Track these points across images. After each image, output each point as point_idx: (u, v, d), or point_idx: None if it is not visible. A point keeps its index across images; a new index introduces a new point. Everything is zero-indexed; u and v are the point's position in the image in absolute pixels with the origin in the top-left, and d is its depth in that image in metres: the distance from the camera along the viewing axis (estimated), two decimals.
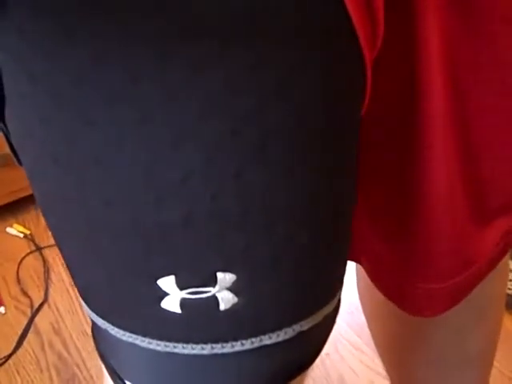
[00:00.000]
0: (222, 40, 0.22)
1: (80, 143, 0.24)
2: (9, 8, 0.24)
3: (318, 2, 0.23)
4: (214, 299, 0.26)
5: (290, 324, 0.28)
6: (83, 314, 1.18)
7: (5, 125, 0.28)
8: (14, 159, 0.31)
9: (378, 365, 1.03)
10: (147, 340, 0.28)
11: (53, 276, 1.27)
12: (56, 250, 1.32)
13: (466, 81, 0.30)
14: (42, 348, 1.12)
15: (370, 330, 0.61)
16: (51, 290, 1.24)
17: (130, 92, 0.22)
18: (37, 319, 1.18)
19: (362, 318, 1.10)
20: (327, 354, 1.03)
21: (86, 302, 0.31)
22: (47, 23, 0.23)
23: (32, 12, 0.23)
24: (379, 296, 0.42)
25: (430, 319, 0.44)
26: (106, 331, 0.30)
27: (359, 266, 0.44)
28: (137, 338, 0.28)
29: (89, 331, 1.14)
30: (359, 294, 0.60)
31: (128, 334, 0.29)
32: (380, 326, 0.57)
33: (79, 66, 0.22)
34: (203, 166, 0.23)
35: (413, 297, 0.39)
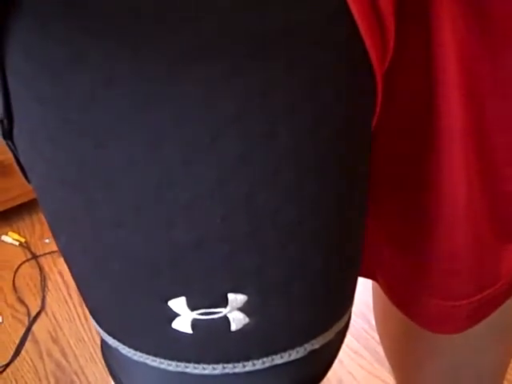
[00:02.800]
0: (234, 62, 0.22)
1: (90, 166, 0.24)
2: (17, 31, 0.24)
3: (326, 18, 0.23)
4: (226, 320, 0.26)
5: (301, 343, 0.28)
6: (81, 321, 1.18)
7: (13, 142, 0.28)
8: (23, 176, 0.31)
9: (376, 369, 1.03)
10: (158, 360, 0.28)
11: (49, 284, 1.27)
12: (52, 258, 1.31)
13: (482, 93, 0.30)
14: (40, 356, 1.12)
15: (384, 347, 0.60)
16: (48, 298, 1.23)
17: (141, 115, 0.22)
18: (34, 327, 1.17)
19: (360, 323, 1.10)
20: None
21: (96, 321, 0.31)
22: (56, 47, 0.23)
23: (40, 36, 0.23)
24: (395, 313, 0.42)
25: (447, 337, 0.43)
26: (116, 350, 0.30)
27: (375, 283, 0.44)
28: (148, 358, 0.29)
29: (86, 338, 1.14)
30: (374, 311, 0.59)
31: (139, 353, 0.29)
32: (395, 342, 0.56)
33: (88, 89, 0.22)
34: (214, 188, 0.23)
35: (431, 313, 0.38)
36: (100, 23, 0.22)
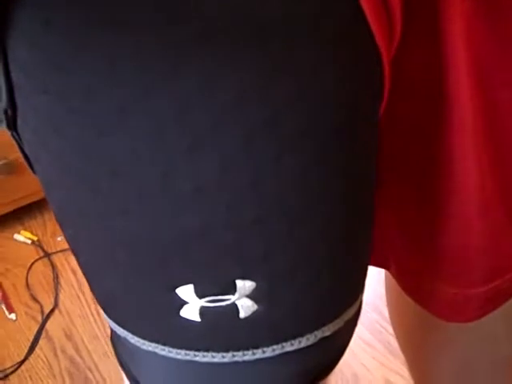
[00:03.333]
0: (235, 47, 0.22)
1: (94, 155, 0.24)
2: (20, 23, 0.23)
3: (333, 4, 0.23)
4: (234, 307, 0.26)
5: (311, 330, 0.28)
6: (94, 318, 1.18)
7: (17, 133, 0.28)
8: (28, 167, 0.31)
9: (390, 361, 1.03)
10: (167, 349, 0.28)
11: (62, 281, 1.27)
12: (64, 256, 1.32)
13: (492, 81, 0.30)
14: (55, 353, 1.13)
15: (398, 338, 0.59)
16: (61, 296, 1.24)
17: (143, 104, 0.22)
18: (48, 325, 1.18)
19: (373, 315, 1.10)
20: None
21: (104, 311, 0.31)
22: (59, 38, 0.22)
23: (43, 27, 0.23)
24: (408, 303, 0.41)
25: (461, 327, 0.43)
26: (125, 339, 0.30)
27: (388, 273, 0.43)
28: (157, 347, 0.28)
29: (100, 335, 1.15)
30: (387, 302, 0.59)
31: (148, 342, 0.29)
32: (409, 333, 0.55)
33: (92, 78, 0.22)
34: (217, 177, 0.23)
35: (445, 302, 0.38)
36: (101, 14, 0.22)
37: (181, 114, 0.22)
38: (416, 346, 0.55)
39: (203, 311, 0.26)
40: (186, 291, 0.26)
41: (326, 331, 0.28)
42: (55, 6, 0.22)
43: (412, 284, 0.40)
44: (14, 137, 0.29)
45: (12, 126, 0.27)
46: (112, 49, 0.22)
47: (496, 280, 0.37)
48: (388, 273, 0.43)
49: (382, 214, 0.37)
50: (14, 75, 0.25)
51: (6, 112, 0.27)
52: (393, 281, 0.43)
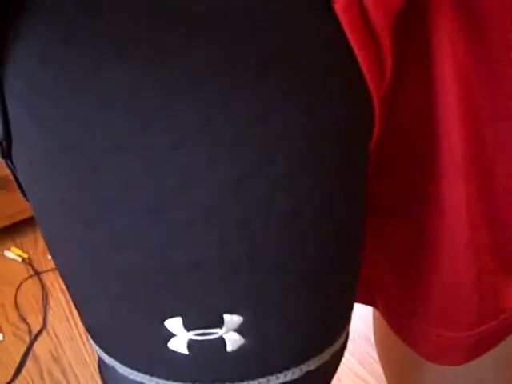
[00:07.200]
0: (226, 87, 0.22)
1: (88, 189, 0.24)
2: (17, 57, 0.24)
3: (323, 44, 0.23)
4: (221, 340, 0.26)
5: (297, 364, 0.28)
6: (82, 341, 1.17)
7: (12, 162, 0.28)
8: (21, 195, 0.31)
9: None
10: (155, 379, 0.28)
11: (51, 301, 1.26)
12: (55, 275, 1.31)
13: (481, 117, 0.30)
14: (41, 376, 1.11)
15: (385, 374, 0.58)
16: (50, 316, 1.23)
17: (138, 142, 0.23)
18: (35, 346, 1.16)
19: (363, 346, 1.09)
20: None
21: (93, 339, 0.31)
22: (56, 73, 0.23)
23: (40, 62, 0.23)
24: (396, 341, 0.41)
25: (449, 368, 0.42)
26: (113, 368, 0.30)
27: (377, 312, 0.43)
28: (144, 377, 0.28)
29: (88, 359, 1.13)
30: (375, 339, 0.58)
31: (136, 372, 0.29)
32: (396, 371, 0.55)
33: (89, 115, 0.23)
34: (209, 212, 0.24)
35: (431, 343, 0.38)
36: (98, 51, 0.22)
37: (174, 150, 0.23)
38: (403, 383, 0.55)
39: (191, 344, 0.26)
40: (174, 324, 0.26)
41: (312, 365, 0.28)
42: (52, 42, 0.23)
43: (399, 322, 0.40)
44: (8, 165, 0.29)
45: (7, 156, 0.28)
46: (109, 86, 0.22)
47: (483, 325, 0.36)
48: (376, 310, 0.43)
49: (371, 251, 0.37)
50: (10, 108, 0.26)
51: (0, 143, 0.27)
52: (381, 318, 0.43)
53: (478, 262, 0.34)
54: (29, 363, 1.13)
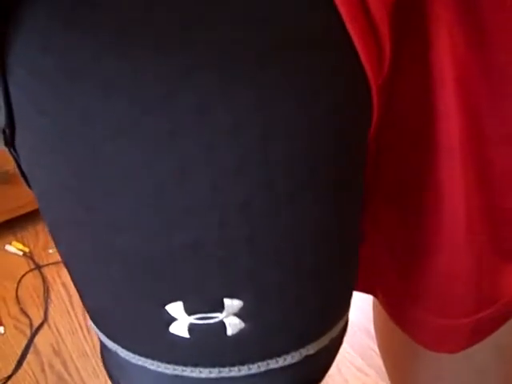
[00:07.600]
0: (225, 79, 0.22)
1: (89, 175, 0.25)
2: (18, 45, 0.24)
3: (322, 32, 0.24)
4: (222, 325, 0.27)
5: (296, 348, 0.28)
6: (83, 334, 1.18)
7: (15, 150, 0.29)
8: (24, 183, 0.31)
9: None
10: (156, 363, 0.29)
11: (52, 295, 1.27)
12: (56, 269, 1.31)
13: (479, 107, 0.30)
14: (42, 369, 1.11)
15: (386, 366, 0.59)
16: (51, 310, 1.23)
17: (137, 128, 0.23)
18: (36, 339, 1.17)
19: (364, 339, 1.09)
20: (330, 376, 1.02)
21: (95, 324, 0.31)
22: (57, 62, 0.23)
23: (41, 50, 0.23)
24: (396, 331, 0.41)
25: (450, 358, 0.42)
26: (115, 353, 0.30)
27: (376, 300, 0.43)
28: (146, 361, 0.29)
29: (89, 352, 1.14)
30: (375, 329, 0.58)
31: (137, 356, 0.29)
32: (396, 361, 0.55)
33: (89, 102, 0.23)
34: (210, 195, 0.24)
35: (430, 331, 0.38)
36: (98, 40, 0.22)
37: (175, 137, 0.23)
38: (403, 374, 0.55)
39: (192, 328, 0.27)
40: (175, 308, 0.26)
41: (311, 349, 0.29)
42: (52, 31, 0.23)
43: (398, 311, 0.40)
44: (11, 153, 0.29)
45: (10, 143, 0.28)
46: (109, 75, 0.22)
47: (481, 312, 0.37)
48: (376, 300, 0.44)
49: (371, 239, 0.37)
50: (13, 96, 0.26)
51: (4, 131, 0.27)
52: (380, 307, 0.43)
53: (477, 250, 0.34)
54: (30, 356, 1.14)
